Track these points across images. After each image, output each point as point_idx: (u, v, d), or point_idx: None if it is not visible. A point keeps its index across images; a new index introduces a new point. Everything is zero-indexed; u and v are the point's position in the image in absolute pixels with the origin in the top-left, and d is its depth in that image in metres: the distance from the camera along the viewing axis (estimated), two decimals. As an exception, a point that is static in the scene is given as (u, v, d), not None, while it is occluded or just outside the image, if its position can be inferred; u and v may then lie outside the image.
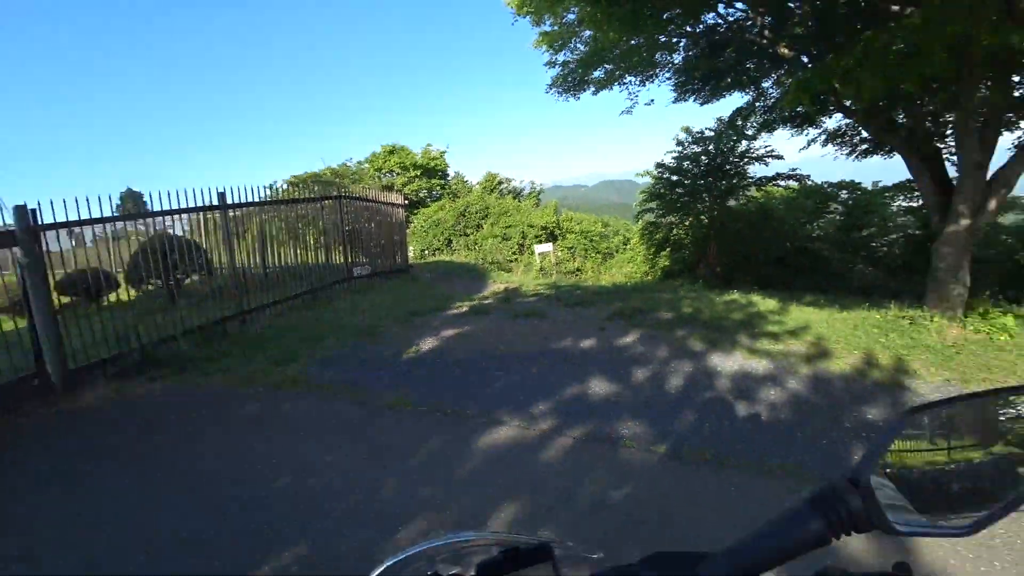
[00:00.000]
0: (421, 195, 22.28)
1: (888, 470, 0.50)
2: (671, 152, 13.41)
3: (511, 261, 16.52)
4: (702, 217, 13.32)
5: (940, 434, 0.51)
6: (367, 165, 23.03)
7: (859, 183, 14.73)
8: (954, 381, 4.43)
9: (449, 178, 23.94)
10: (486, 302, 8.30)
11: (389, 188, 16.91)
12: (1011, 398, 0.51)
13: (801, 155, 11.73)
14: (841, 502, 0.48)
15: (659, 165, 13.61)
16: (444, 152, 23.31)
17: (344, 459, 3.63)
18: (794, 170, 13.17)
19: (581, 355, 5.42)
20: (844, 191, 15.14)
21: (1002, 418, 0.51)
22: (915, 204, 13.32)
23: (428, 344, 6.02)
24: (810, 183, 14.41)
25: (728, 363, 4.93)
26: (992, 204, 5.52)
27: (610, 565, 0.67)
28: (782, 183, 13.54)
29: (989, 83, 5.87)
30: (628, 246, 17.05)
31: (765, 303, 7.11)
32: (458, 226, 18.45)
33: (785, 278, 11.71)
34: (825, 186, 15.97)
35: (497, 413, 4.17)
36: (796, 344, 5.32)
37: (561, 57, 9.93)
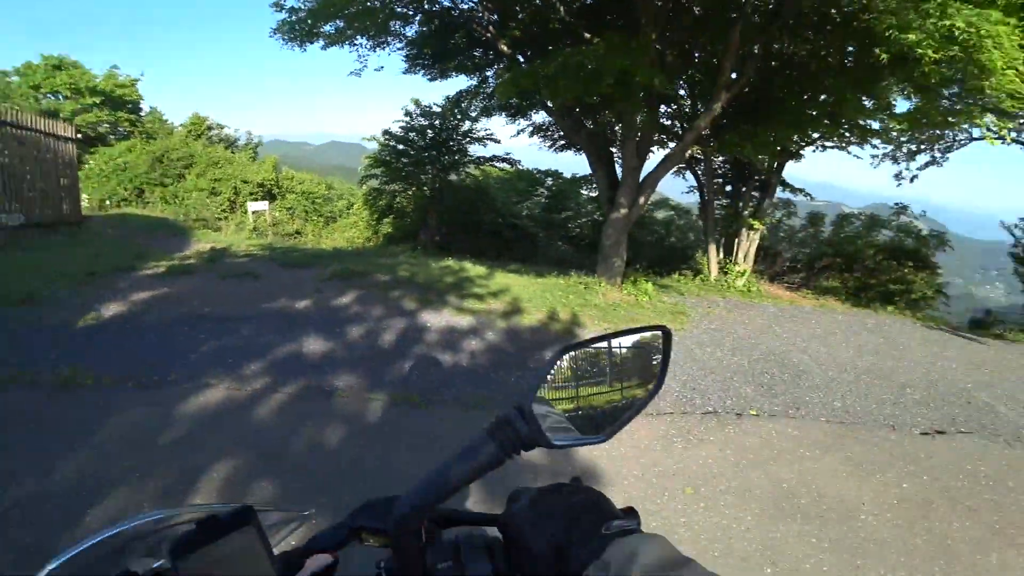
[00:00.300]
0: (101, 130, 18.25)
1: (548, 397, 0.59)
2: (399, 122, 13.78)
3: (220, 219, 14.70)
4: (425, 188, 14.13)
5: (585, 366, 0.61)
6: (18, 79, 17.84)
7: (561, 172, 17.40)
8: (608, 327, 5.82)
9: (143, 114, 20.08)
10: (189, 262, 7.48)
11: (52, 114, 13.18)
12: (634, 336, 0.64)
13: (515, 141, 13.45)
14: (510, 427, 0.55)
15: (386, 133, 13.84)
16: (137, 80, 19.45)
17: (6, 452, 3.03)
18: (508, 154, 14.87)
19: (296, 315, 5.41)
20: (549, 178, 17.76)
21: (626, 351, 0.64)
22: (595, 194, 16.39)
23: (113, 309, 5.23)
24: (522, 167, 16.43)
25: (437, 319, 5.54)
26: (642, 199, 7.31)
27: (328, 524, 0.71)
28: (498, 164, 15.13)
29: (646, 110, 7.66)
30: (352, 211, 16.93)
31: (475, 269, 8.05)
32: (153, 174, 15.68)
33: (498, 249, 13.28)
34: (535, 172, 18.45)
35: (204, 378, 3.95)
36: (496, 303, 6.25)
37: (291, 1, 9.28)
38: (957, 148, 11.89)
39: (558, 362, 0.59)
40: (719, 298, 8.54)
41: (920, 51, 4.38)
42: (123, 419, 3.35)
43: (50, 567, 0.63)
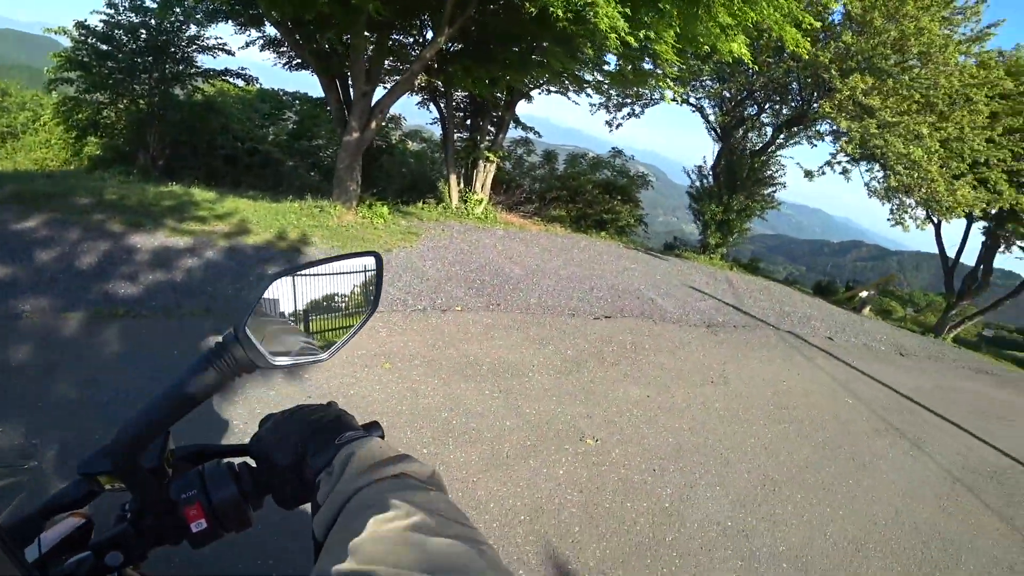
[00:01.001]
0: None
1: (268, 320, 0.60)
2: (99, 13, 11.37)
3: None
4: (140, 101, 12.13)
5: (304, 289, 0.64)
6: None
7: (311, 96, 16.47)
8: (337, 247, 6.16)
9: None
10: None
11: None
12: (348, 261, 0.66)
13: (254, 57, 12.26)
14: (226, 352, 0.57)
15: (82, 27, 11.34)
16: None
17: None
18: (244, 69, 13.48)
19: None
20: (297, 101, 16.74)
21: (343, 276, 0.67)
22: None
23: None
24: (262, 86, 15.19)
25: (150, 241, 5.25)
26: (374, 124, 7.62)
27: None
28: (232, 80, 13.67)
29: (373, 35, 7.84)
30: (40, 125, 13.84)
31: (203, 195, 7.56)
32: None
33: (236, 176, 12.35)
34: (280, 93, 17.18)
35: None
36: (222, 225, 6.09)
37: None
38: (653, 104, 14.64)
39: (271, 286, 0.61)
40: (457, 223, 9.45)
41: (552, 9, 5.32)
42: None
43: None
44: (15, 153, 13.16)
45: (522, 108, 13.34)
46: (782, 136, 13.96)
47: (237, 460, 0.68)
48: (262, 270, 5.08)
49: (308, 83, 13.45)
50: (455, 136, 11.70)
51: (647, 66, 8.47)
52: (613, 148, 16.35)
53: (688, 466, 3.73)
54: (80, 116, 12.41)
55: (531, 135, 15.35)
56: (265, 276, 0.61)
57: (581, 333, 5.61)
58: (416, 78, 7.73)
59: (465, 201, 10.89)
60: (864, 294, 16.26)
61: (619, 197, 14.60)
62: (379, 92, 8.08)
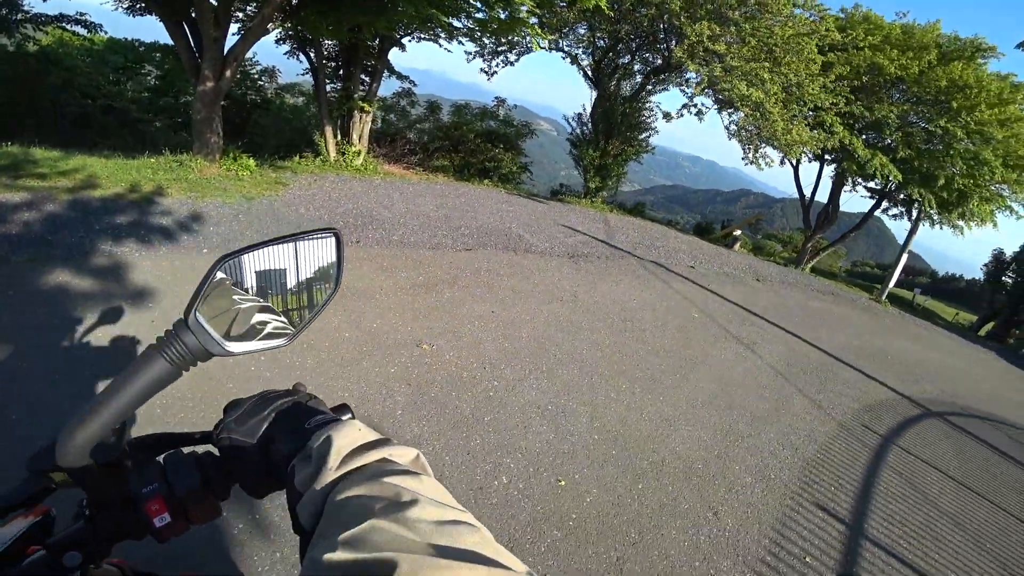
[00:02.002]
0: None
1: (216, 305, 0.58)
2: None
3: None
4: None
5: (261, 271, 0.62)
6: None
7: (170, 44, 15.40)
8: (194, 197, 6.26)
9: None
10: None
11: None
12: (304, 241, 0.64)
13: (92, 2, 11.32)
14: (177, 341, 0.56)
15: None
16: None
17: None
18: (83, 14, 12.47)
19: None
20: (158, 53, 15.61)
21: (300, 255, 0.64)
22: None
23: None
24: (112, 36, 14.12)
25: (-17, 197, 5.16)
26: (228, 72, 7.56)
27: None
28: (71, 27, 12.62)
29: None
30: None
31: (46, 153, 7.26)
32: None
33: (91, 138, 11.63)
34: (137, 43, 15.95)
35: None
36: (65, 181, 5.99)
37: None
38: (527, 53, 15.06)
39: (221, 268, 0.58)
40: (333, 175, 9.60)
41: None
42: None
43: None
44: None
45: (415, 61, 13.42)
46: (651, 83, 14.92)
47: (200, 448, 0.66)
48: (111, 220, 5.16)
49: (160, 31, 12.68)
50: (328, 87, 11.64)
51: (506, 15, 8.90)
52: (496, 98, 16.76)
53: (520, 365, 4.39)
54: None
55: (410, 85, 15.42)
56: (216, 259, 0.58)
57: (438, 264, 6.15)
58: (269, 22, 7.70)
59: (343, 154, 10.98)
60: (737, 232, 17.96)
61: (502, 145, 15.13)
62: (233, 38, 7.96)
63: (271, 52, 13.85)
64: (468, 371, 4.10)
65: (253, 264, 0.61)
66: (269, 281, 0.63)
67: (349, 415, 0.66)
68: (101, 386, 2.31)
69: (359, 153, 11.15)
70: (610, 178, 15.23)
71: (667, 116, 13.72)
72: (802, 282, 12.89)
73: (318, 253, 0.67)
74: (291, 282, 0.65)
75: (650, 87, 15.14)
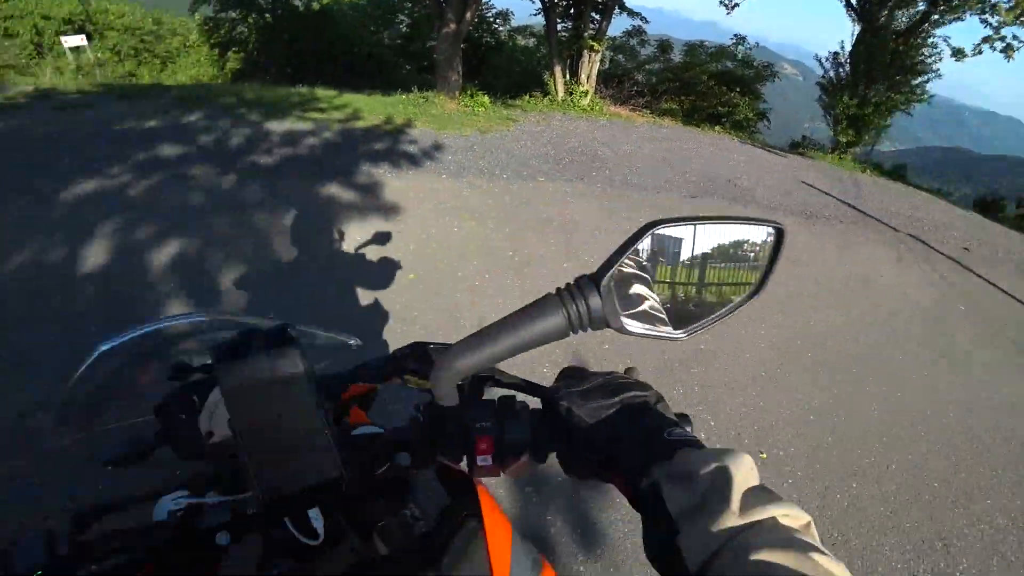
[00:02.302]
0: None
1: (625, 275, 0.53)
2: None
3: (29, 64, 13.23)
4: (266, 15, 13.47)
5: (673, 248, 0.54)
6: None
7: (422, -3, 16.90)
8: (435, 129, 6.85)
9: None
10: (14, 101, 7.17)
11: None
12: (740, 227, 0.56)
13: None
14: (582, 299, 0.52)
15: None
16: None
17: None
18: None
19: (146, 132, 5.82)
20: (409, 3, 17.26)
21: (727, 241, 0.56)
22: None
23: None
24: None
25: (280, 126, 6.25)
26: (468, 14, 8.00)
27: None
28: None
29: None
30: (190, 48, 15.77)
31: (323, 92, 8.52)
32: None
33: (355, 81, 13.38)
34: (396, -2, 17.78)
35: (75, 177, 4.44)
36: (338, 114, 7.00)
37: None
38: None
39: (643, 238, 0.53)
40: (559, 114, 9.74)
41: None
42: (12, 211, 3.97)
43: (102, 348, 0.68)
44: (175, 74, 15.07)
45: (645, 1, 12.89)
46: (937, 11, 12.08)
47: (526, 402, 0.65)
48: (368, 147, 5.91)
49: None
50: (559, 26, 11.69)
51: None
52: (734, 35, 15.26)
53: (727, 322, 4.06)
54: (219, 34, 14.02)
55: (640, 23, 14.75)
56: (645, 224, 0.53)
57: (658, 208, 5.91)
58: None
59: (571, 94, 11.04)
60: None
61: (737, 89, 13.82)
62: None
63: None
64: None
65: (678, 239, 0.55)
66: (683, 263, 0.56)
67: (689, 427, 0.57)
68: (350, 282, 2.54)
69: (586, 93, 11.10)
70: (867, 131, 12.93)
71: (957, 54, 11.10)
72: None
73: (749, 244, 0.57)
74: (706, 269, 0.57)
75: (936, 16, 12.34)
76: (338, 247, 3.93)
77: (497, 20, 17.28)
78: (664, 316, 0.56)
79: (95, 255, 3.47)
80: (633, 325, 0.54)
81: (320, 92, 8.48)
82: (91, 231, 3.67)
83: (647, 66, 15.70)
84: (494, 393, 0.68)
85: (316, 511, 0.64)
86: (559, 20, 11.94)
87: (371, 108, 7.47)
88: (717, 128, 12.63)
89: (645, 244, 0.53)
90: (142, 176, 4.63)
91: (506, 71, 15.26)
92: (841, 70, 13.29)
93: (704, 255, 0.55)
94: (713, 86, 13.68)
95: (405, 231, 4.22)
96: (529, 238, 4.45)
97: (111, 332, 0.69)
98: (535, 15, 13.43)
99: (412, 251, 3.98)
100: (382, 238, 4.02)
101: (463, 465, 0.63)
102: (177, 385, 0.70)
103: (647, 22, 14.90)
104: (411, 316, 3.24)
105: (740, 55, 15.02)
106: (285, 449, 0.57)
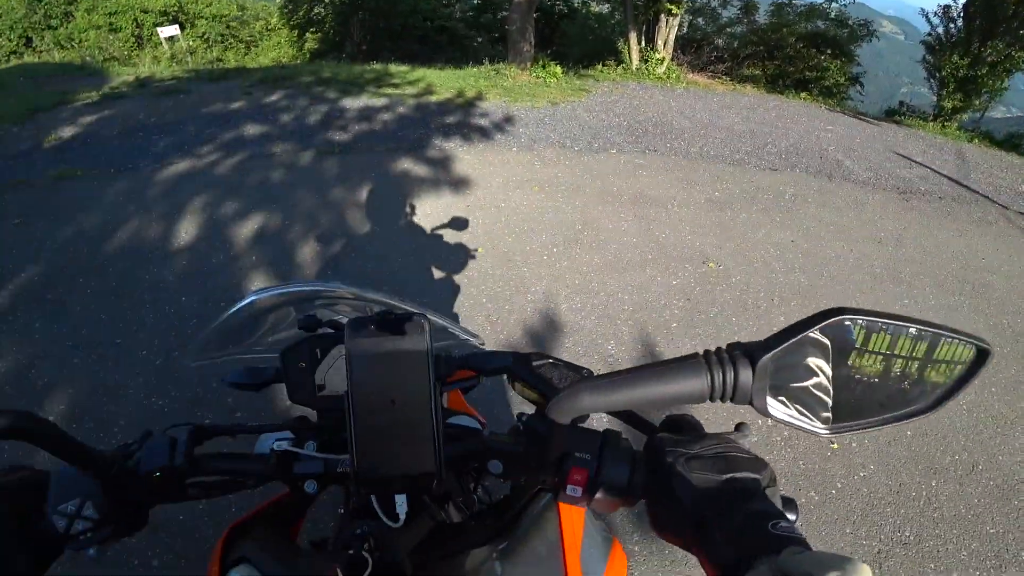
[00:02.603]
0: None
1: (786, 354, 0.48)
2: None
3: (132, 55, 14.38)
4: (341, -7, 13.82)
5: (844, 337, 0.49)
6: None
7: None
8: (507, 101, 6.84)
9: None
10: (119, 90, 7.81)
11: None
12: (938, 334, 0.48)
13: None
14: (732, 370, 0.48)
15: None
16: None
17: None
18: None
19: (231, 113, 6.19)
20: (481, -26, 17.19)
21: (915, 346, 0.49)
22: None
23: (68, 131, 5.63)
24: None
25: (356, 103, 6.44)
26: (533, -16, 7.88)
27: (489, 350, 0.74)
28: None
29: None
30: (271, 31, 16.43)
31: (397, 68, 8.69)
32: (35, 16, 14.52)
33: (428, 55, 13.54)
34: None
35: (169, 159, 4.83)
36: (411, 89, 7.12)
37: None
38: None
39: (822, 324, 0.47)
40: (635, 83, 9.47)
41: None
42: (117, 189, 4.36)
43: (251, 297, 0.74)
44: (257, 57, 15.87)
45: None
46: None
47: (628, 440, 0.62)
48: (440, 120, 5.99)
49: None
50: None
51: None
52: (828, -10, 14.14)
53: (813, 303, 3.81)
54: (298, 16, 14.54)
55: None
56: (829, 309, 0.48)
57: (737, 181, 5.66)
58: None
59: (646, 61, 10.68)
60: None
61: (828, 51, 12.87)
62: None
63: None
64: (753, 298, 3.73)
65: (854, 329, 0.49)
66: (850, 352, 0.50)
67: (795, 515, 0.53)
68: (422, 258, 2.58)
69: (662, 61, 10.70)
70: (977, 96, 11.57)
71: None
72: None
73: (943, 353, 0.50)
74: (882, 369, 0.50)
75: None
76: (409, 220, 4.04)
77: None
78: (815, 407, 0.51)
79: (187, 230, 3.76)
80: (777, 409, 0.50)
81: (394, 68, 8.64)
82: (183, 207, 3.97)
83: (728, 29, 14.90)
84: (600, 420, 0.68)
85: (403, 497, 0.66)
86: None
87: (443, 82, 7.54)
88: (804, 95, 11.88)
89: (821, 328, 0.48)
90: (228, 155, 4.93)
91: (580, 39, 14.90)
92: (952, 25, 12.07)
93: (886, 355, 0.49)
94: (801, 49, 12.80)
95: (475, 205, 4.28)
96: (598, 211, 4.39)
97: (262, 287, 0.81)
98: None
99: (481, 224, 4.03)
100: (452, 212, 4.11)
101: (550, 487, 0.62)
102: (304, 335, 0.74)
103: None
104: (477, 291, 3.30)
105: (833, 13, 13.95)
106: (390, 427, 0.58)
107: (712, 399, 0.49)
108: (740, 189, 5.48)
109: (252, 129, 5.64)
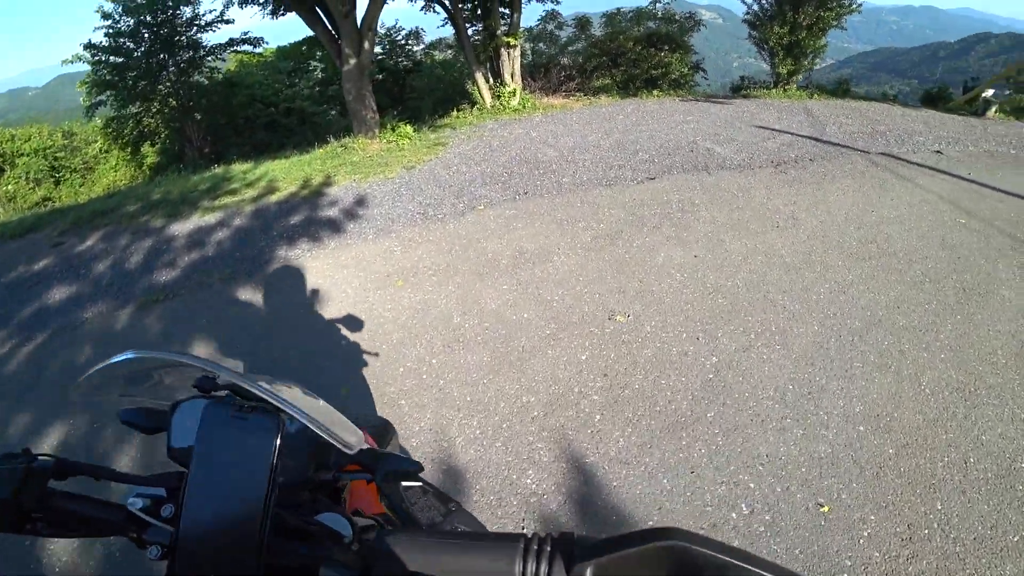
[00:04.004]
0: None
1: (607, 567, 0.45)
2: (101, 28, 11.64)
3: None
4: (170, 99, 12.54)
5: (680, 562, 0.42)
6: None
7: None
8: (358, 179, 6.12)
9: None
10: None
11: None
12: None
13: (256, 17, 12.04)
14: (547, 565, 0.46)
15: (90, 46, 11.60)
16: None
17: None
18: (247, 33, 13.38)
19: (33, 277, 4.99)
20: (318, 48, 16.45)
21: None
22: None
23: None
24: (279, 46, 15.04)
25: (186, 226, 5.48)
26: (367, 45, 7.24)
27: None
28: (242, 48, 13.67)
29: None
30: (105, 153, 14.80)
31: (241, 167, 7.78)
32: None
33: (279, 140, 12.62)
34: (301, 44, 16.95)
35: None
36: (251, 191, 6.23)
37: None
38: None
39: (655, 542, 0.44)
40: (492, 122, 9.05)
41: None
42: None
43: (129, 355, 0.66)
44: (93, 185, 14.04)
45: None
46: None
47: None
48: (285, 223, 5.16)
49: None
50: (470, 30, 11.01)
51: None
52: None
53: (741, 328, 3.31)
54: (126, 132, 13.09)
55: (553, 6, 14.09)
56: (658, 529, 0.43)
57: (618, 203, 5.21)
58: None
59: (499, 97, 10.34)
60: (988, 92, 13.62)
61: (666, 47, 13.14)
62: (363, 8, 7.60)
63: (411, 14, 13.49)
64: (676, 345, 3.17)
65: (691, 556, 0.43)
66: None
67: None
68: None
69: (514, 93, 10.41)
70: (804, 56, 12.34)
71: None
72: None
73: None
74: None
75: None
76: (251, 369, 3.19)
77: (410, 40, 16.48)
78: None
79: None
80: None
81: (237, 167, 7.74)
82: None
83: (570, 48, 15.02)
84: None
85: None
86: (468, 24, 11.26)
87: (287, 174, 6.72)
88: (656, 92, 12.01)
89: (654, 546, 0.43)
90: (21, 343, 3.87)
91: (430, 90, 14.50)
92: (765, 1, 12.74)
93: None
94: (641, 51, 12.99)
95: (327, 329, 3.49)
96: (476, 291, 3.73)
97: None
98: (442, 26, 12.78)
99: (340, 353, 3.26)
100: (301, 345, 3.29)
101: None
102: (198, 394, 0.67)
103: (558, 3, 14.24)
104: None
105: (659, 13, 14.36)
106: (222, 520, 0.54)
107: None
108: (624, 212, 5.02)
109: (58, 294, 4.57)
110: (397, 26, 15.77)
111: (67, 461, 0.61)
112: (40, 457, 0.59)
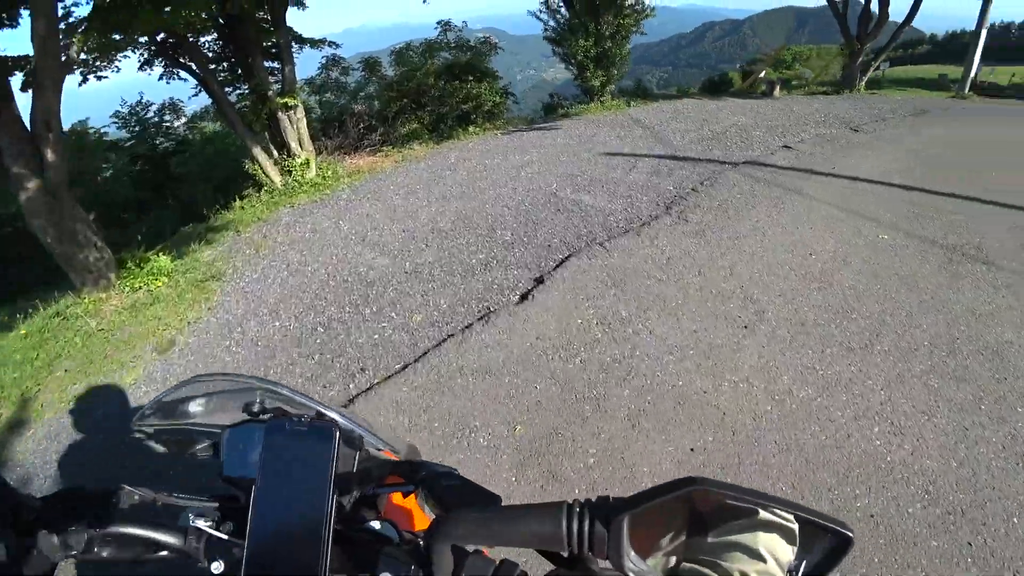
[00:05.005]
0: None
1: (646, 518, 0.47)
2: None
3: None
4: None
5: (707, 509, 0.48)
6: None
7: None
8: (77, 379, 3.65)
9: None
10: None
11: None
12: (802, 515, 0.46)
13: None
14: (589, 523, 0.47)
15: None
16: None
17: None
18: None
19: None
20: None
21: (778, 527, 0.46)
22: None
23: None
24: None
25: None
26: (50, 152, 4.60)
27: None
28: None
29: None
30: None
31: None
32: None
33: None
34: None
35: None
36: None
37: None
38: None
39: (678, 491, 0.45)
40: (287, 209, 6.84)
41: None
42: None
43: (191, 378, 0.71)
44: None
45: (330, 24, 10.23)
46: None
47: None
48: None
49: None
50: (234, 94, 8.65)
51: None
52: (439, 22, 13.19)
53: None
54: None
55: (333, 51, 12.09)
56: (684, 477, 0.40)
57: (508, 370, 3.38)
58: (65, 51, 4.71)
59: (290, 172, 8.07)
60: (763, 75, 14.59)
61: (470, 77, 11.76)
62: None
63: (157, 86, 10.43)
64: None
65: (717, 500, 0.47)
66: (713, 525, 0.49)
67: None
68: None
69: (307, 163, 8.19)
70: (614, 66, 11.78)
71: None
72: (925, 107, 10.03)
73: (805, 536, 0.47)
74: (737, 544, 0.47)
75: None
76: None
77: (167, 116, 13.17)
78: (671, 569, 0.50)
79: None
80: (635, 567, 0.47)
81: None
82: None
83: (361, 93, 13.08)
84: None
85: None
86: (229, 87, 8.82)
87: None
88: (472, 129, 10.56)
89: (679, 496, 0.46)
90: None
91: (205, 173, 11.52)
92: (559, 15, 11.97)
93: (742, 524, 0.47)
94: (444, 85, 11.47)
95: None
96: None
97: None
98: (196, 94, 10.16)
99: None
100: None
101: None
102: (248, 418, 0.69)
103: (339, 46, 12.23)
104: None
105: (452, 42, 12.97)
106: (287, 527, 0.57)
107: (571, 548, 0.48)
108: (529, 406, 3.23)
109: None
110: (144, 101, 12.50)
111: (128, 489, 0.63)
112: (123, 488, 0.63)
